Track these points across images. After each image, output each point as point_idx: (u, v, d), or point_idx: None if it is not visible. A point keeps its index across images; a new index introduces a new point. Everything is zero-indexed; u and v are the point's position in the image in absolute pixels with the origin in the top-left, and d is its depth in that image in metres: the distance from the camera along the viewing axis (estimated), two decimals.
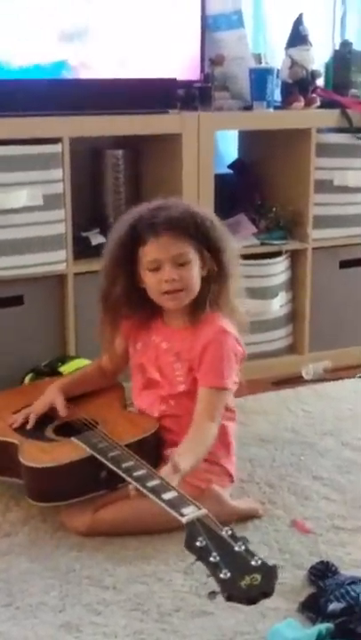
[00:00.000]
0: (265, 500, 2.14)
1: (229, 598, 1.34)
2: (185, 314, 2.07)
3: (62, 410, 2.15)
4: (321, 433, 2.54)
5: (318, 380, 2.96)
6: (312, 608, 1.67)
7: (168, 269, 1.99)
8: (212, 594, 1.37)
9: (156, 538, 1.94)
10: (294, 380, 2.96)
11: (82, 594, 1.75)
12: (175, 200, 2.09)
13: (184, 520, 1.55)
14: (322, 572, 1.78)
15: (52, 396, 2.19)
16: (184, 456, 1.83)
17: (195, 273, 2.02)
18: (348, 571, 1.80)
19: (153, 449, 2.02)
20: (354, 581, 1.70)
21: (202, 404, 2.00)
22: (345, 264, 3.11)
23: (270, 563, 1.39)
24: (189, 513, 1.56)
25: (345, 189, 3.00)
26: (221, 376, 2.02)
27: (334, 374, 2.99)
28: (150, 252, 2.00)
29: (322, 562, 1.81)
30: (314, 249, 3.02)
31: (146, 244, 1.99)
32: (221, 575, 1.36)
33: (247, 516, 2.04)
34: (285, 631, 1.57)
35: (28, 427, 2.13)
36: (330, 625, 1.57)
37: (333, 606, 1.63)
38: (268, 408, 2.72)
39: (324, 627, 1.56)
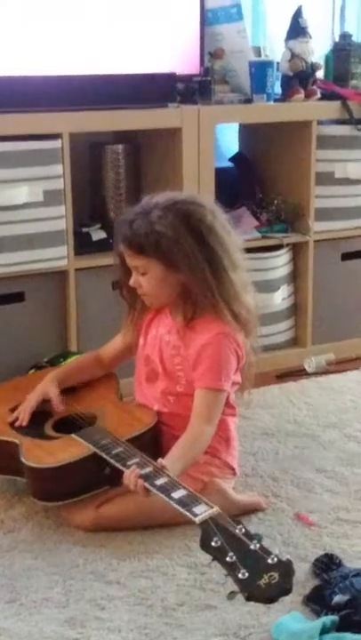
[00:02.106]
0: (269, 494, 2.14)
1: (249, 598, 1.35)
2: (180, 313, 2.06)
3: (57, 403, 2.15)
4: (324, 425, 2.54)
5: (321, 372, 2.95)
6: (317, 600, 1.67)
7: (133, 275, 2.04)
8: (232, 594, 1.38)
9: (159, 532, 1.95)
10: (297, 373, 2.96)
11: (86, 589, 1.75)
12: (160, 204, 1.99)
13: (197, 520, 1.55)
14: (326, 565, 1.78)
15: (45, 387, 2.19)
16: (174, 461, 1.83)
17: (155, 282, 2.02)
18: (352, 563, 1.81)
19: (152, 442, 2.02)
20: (358, 573, 1.70)
21: (198, 406, 2.00)
22: (347, 256, 3.11)
23: (285, 558, 1.40)
24: (202, 512, 1.56)
25: (346, 181, 2.99)
26: (218, 378, 2.01)
27: (337, 367, 2.99)
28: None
29: (326, 554, 1.82)
30: (315, 241, 3.01)
31: None
32: (239, 575, 1.36)
33: (251, 510, 2.04)
34: (290, 624, 1.58)
35: (23, 423, 2.11)
36: (334, 617, 1.57)
37: (338, 598, 1.63)
38: (272, 401, 2.72)
39: (328, 619, 1.56)
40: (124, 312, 2.18)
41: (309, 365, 2.97)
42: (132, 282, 2.05)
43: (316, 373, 2.95)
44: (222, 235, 2.01)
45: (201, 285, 1.99)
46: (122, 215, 2.08)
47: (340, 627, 1.56)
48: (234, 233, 2.07)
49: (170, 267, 1.99)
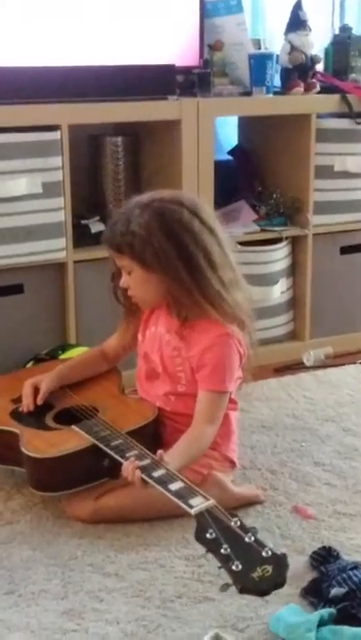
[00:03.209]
0: (267, 487, 2.14)
1: (242, 590, 1.35)
2: (174, 313, 2.04)
3: (39, 396, 2.14)
4: (322, 419, 2.54)
5: (319, 366, 2.96)
6: (314, 593, 1.68)
7: (123, 276, 2.05)
8: (226, 586, 1.38)
9: (157, 525, 1.95)
10: (296, 367, 2.96)
11: (84, 581, 1.76)
12: (140, 203, 2.00)
13: (193, 512, 1.55)
14: (324, 558, 1.78)
15: (43, 379, 2.17)
16: (173, 456, 1.83)
17: (139, 283, 2.02)
18: (349, 556, 1.81)
19: (153, 435, 2.02)
20: (356, 566, 1.70)
21: (201, 407, 2.00)
22: (346, 250, 3.11)
23: (279, 551, 1.40)
24: (198, 504, 1.56)
25: (345, 175, 2.99)
26: (222, 379, 2.00)
27: (335, 360, 2.99)
28: None
29: (324, 547, 1.82)
30: (314, 235, 3.01)
31: None
32: (233, 567, 1.36)
33: (249, 503, 2.04)
34: (288, 616, 1.58)
35: (31, 408, 2.12)
36: (332, 610, 1.57)
37: (335, 591, 1.63)
38: (270, 394, 2.72)
39: (326, 612, 1.56)
40: (121, 314, 2.18)
41: (308, 359, 2.97)
42: (121, 282, 2.05)
43: (314, 367, 2.95)
44: (200, 233, 1.97)
45: (177, 285, 1.97)
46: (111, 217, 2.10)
47: (338, 619, 1.56)
48: (220, 231, 2.02)
49: (145, 267, 1.98)
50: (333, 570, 1.71)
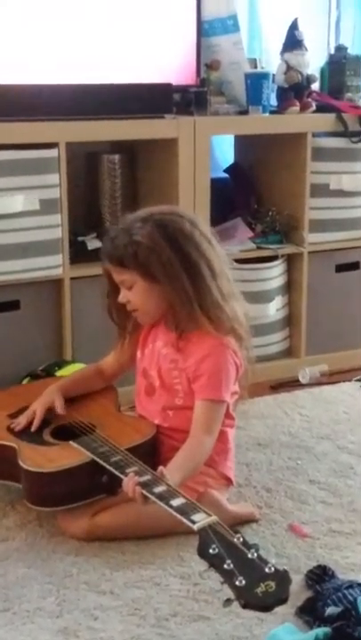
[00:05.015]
0: (262, 505, 2.14)
1: (246, 605, 1.36)
2: (172, 326, 2.06)
3: (60, 409, 2.15)
4: (318, 437, 2.54)
5: (315, 383, 2.96)
6: (309, 612, 1.67)
7: (122, 291, 2.06)
8: (228, 601, 1.38)
9: (153, 543, 1.95)
10: (291, 384, 2.96)
11: (79, 599, 1.75)
12: (139, 217, 2.03)
13: (196, 527, 1.55)
14: (319, 576, 1.78)
15: (51, 397, 2.18)
16: (173, 471, 1.83)
17: (141, 296, 2.03)
18: (345, 575, 1.81)
19: (150, 453, 2.02)
20: (351, 585, 1.70)
21: (198, 417, 2.00)
22: (341, 268, 3.12)
23: (282, 568, 1.40)
24: (201, 520, 1.56)
25: (341, 193, 3.01)
26: (218, 389, 2.01)
27: (331, 378, 2.99)
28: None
29: (319, 566, 1.82)
30: (310, 253, 3.02)
31: None
32: (237, 582, 1.37)
33: (244, 521, 2.04)
34: (283, 635, 1.57)
35: (33, 429, 2.11)
36: (327, 629, 1.57)
37: (331, 610, 1.63)
38: (266, 412, 2.72)
39: (321, 631, 1.56)
40: (117, 334, 2.19)
41: (303, 376, 2.98)
42: (120, 297, 2.06)
43: (310, 384, 2.95)
44: (201, 243, 2.02)
45: (180, 294, 1.99)
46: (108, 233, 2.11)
47: (333, 638, 1.56)
48: (216, 243, 2.07)
49: (150, 278, 2.00)
50: (329, 589, 1.71)
